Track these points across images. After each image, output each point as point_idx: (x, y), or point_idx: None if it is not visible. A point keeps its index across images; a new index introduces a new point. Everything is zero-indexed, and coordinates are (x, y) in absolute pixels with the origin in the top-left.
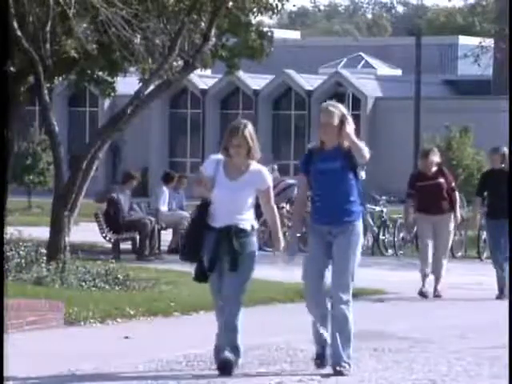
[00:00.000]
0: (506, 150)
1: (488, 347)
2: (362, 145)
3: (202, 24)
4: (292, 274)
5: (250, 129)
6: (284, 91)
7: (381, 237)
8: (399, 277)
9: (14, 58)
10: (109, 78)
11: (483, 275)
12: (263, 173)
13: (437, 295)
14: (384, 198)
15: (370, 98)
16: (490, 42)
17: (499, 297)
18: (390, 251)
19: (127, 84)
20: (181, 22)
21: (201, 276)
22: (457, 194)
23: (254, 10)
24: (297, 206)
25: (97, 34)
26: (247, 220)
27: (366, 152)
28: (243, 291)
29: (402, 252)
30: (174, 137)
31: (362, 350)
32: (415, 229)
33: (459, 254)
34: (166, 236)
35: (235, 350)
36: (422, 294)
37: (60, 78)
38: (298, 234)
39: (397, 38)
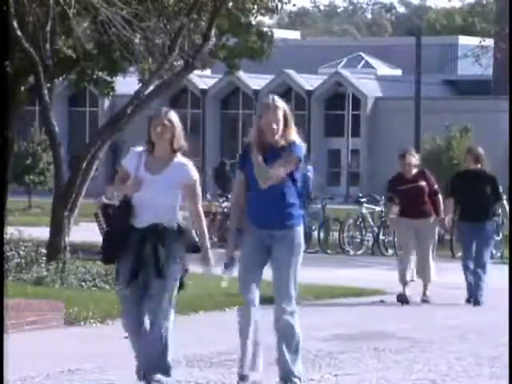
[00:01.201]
0: (481, 150)
1: (488, 347)
2: (274, 172)
3: (202, 24)
4: None
5: (173, 116)
6: (284, 91)
7: (381, 237)
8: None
9: (14, 58)
10: (108, 78)
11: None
12: (188, 166)
13: (425, 300)
14: (384, 197)
15: (369, 98)
16: (490, 41)
17: (476, 302)
18: (390, 251)
19: (127, 84)
20: (181, 22)
21: (126, 282)
22: (440, 196)
23: (254, 10)
24: (234, 209)
25: (97, 33)
26: (173, 218)
27: (267, 180)
28: (169, 300)
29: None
30: None
31: (363, 350)
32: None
33: (459, 253)
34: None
35: (165, 370)
36: (401, 298)
37: (60, 78)
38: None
39: (397, 38)
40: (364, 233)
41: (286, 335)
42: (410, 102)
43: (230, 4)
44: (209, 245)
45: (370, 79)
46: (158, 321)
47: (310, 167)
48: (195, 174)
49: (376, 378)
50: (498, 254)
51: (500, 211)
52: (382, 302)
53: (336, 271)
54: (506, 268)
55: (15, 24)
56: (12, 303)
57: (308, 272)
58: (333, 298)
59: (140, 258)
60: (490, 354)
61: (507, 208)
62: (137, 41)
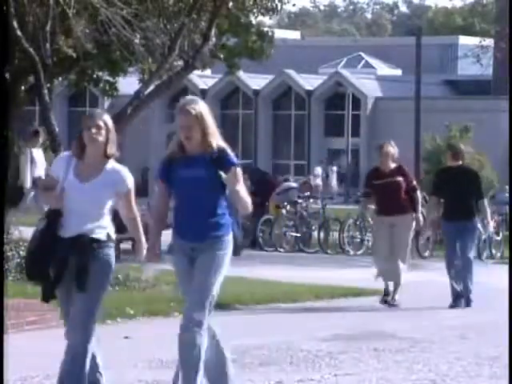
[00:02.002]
0: (462, 146)
1: (488, 347)
2: (246, 197)
3: (202, 24)
4: (292, 274)
5: (108, 118)
6: (284, 91)
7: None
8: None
9: (14, 58)
10: (110, 78)
11: (483, 275)
12: (123, 173)
13: (393, 304)
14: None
15: (369, 98)
16: (490, 41)
17: (467, 303)
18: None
19: (127, 84)
20: (181, 22)
21: (49, 296)
22: (418, 193)
23: (254, 10)
24: (156, 220)
25: (97, 33)
26: (103, 228)
27: (248, 204)
28: (92, 315)
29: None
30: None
31: (363, 350)
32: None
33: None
34: (166, 236)
35: None
36: (385, 302)
37: (60, 78)
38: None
39: (397, 38)
40: (364, 233)
41: (186, 348)
42: (410, 102)
43: (230, 4)
44: (143, 238)
45: (369, 79)
46: (76, 337)
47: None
48: (130, 182)
49: (376, 378)
50: (498, 254)
51: (480, 210)
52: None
53: (336, 271)
54: (506, 268)
55: (15, 24)
56: (12, 303)
57: (308, 272)
58: (333, 298)
59: (63, 270)
60: (490, 353)
61: (487, 208)
62: (137, 41)
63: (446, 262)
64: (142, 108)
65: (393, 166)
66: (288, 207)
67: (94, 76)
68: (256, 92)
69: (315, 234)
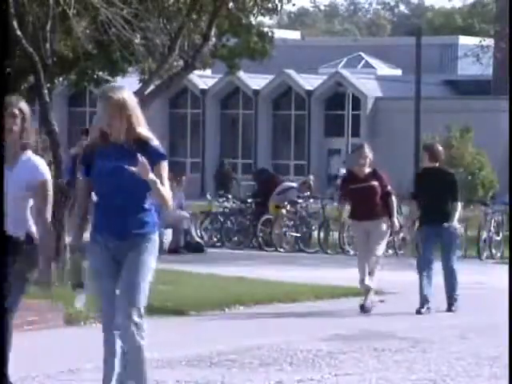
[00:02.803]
0: (438, 147)
1: (488, 347)
2: (166, 190)
3: (202, 24)
4: (292, 273)
5: (23, 106)
6: (284, 91)
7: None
8: (399, 277)
9: (14, 58)
10: (110, 78)
11: (483, 275)
12: (37, 163)
13: (366, 310)
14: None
15: (369, 98)
16: (490, 41)
17: (419, 311)
18: (390, 251)
19: (127, 84)
20: (181, 22)
21: None
22: (393, 198)
23: (254, 11)
24: (77, 216)
25: (97, 33)
26: (22, 226)
27: (171, 199)
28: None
29: (402, 252)
30: (174, 137)
31: (363, 350)
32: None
33: (459, 254)
34: (166, 236)
35: None
36: (362, 308)
37: (60, 78)
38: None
39: (397, 38)
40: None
41: (129, 354)
42: (410, 101)
43: (230, 4)
44: (48, 253)
45: (370, 79)
46: None
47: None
48: (46, 173)
49: (376, 378)
50: (498, 254)
51: (452, 212)
52: (381, 301)
53: (336, 271)
54: (506, 268)
55: (15, 24)
56: None
57: (308, 272)
58: (333, 298)
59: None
60: (490, 353)
61: (458, 212)
62: (137, 41)
63: (420, 266)
64: (142, 108)
65: (368, 170)
66: (288, 207)
67: (94, 76)
68: (256, 92)
69: (315, 233)
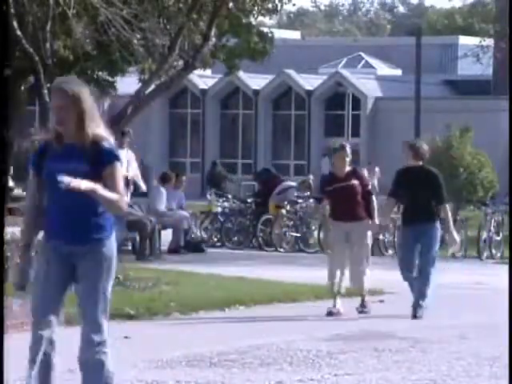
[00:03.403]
0: (424, 145)
1: (488, 347)
2: (115, 196)
3: (202, 24)
4: (292, 274)
5: None
6: (284, 91)
7: (380, 237)
8: (399, 277)
9: (14, 58)
10: (109, 78)
11: (483, 275)
12: None
13: (361, 311)
14: (384, 197)
15: (369, 98)
16: (489, 41)
17: (414, 314)
18: (390, 251)
19: (127, 84)
20: (181, 22)
21: None
22: (374, 198)
23: (254, 12)
24: (26, 224)
25: (97, 33)
26: None
27: (123, 202)
28: None
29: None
30: (174, 137)
31: (363, 350)
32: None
33: (459, 254)
34: (166, 236)
35: None
36: (330, 314)
37: None
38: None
39: (397, 38)
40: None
41: (92, 371)
42: (410, 101)
43: (230, 4)
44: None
45: (370, 79)
46: None
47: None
48: None
49: (376, 378)
50: (498, 254)
51: (442, 214)
52: (381, 301)
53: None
54: (506, 268)
55: (15, 24)
56: (12, 303)
57: (308, 272)
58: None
59: None
60: (490, 353)
61: (449, 215)
62: (136, 41)
63: (402, 269)
64: (142, 108)
65: (348, 169)
66: (288, 207)
67: (95, 76)
68: (256, 92)
69: (315, 234)
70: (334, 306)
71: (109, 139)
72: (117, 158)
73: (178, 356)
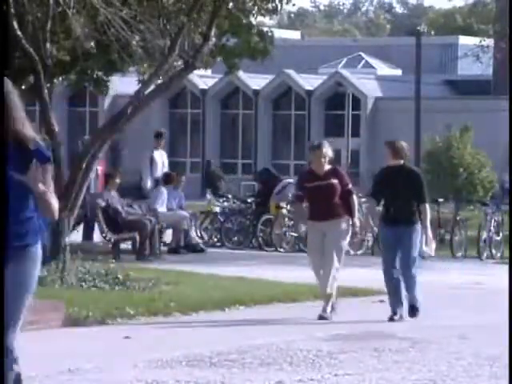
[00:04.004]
0: (403, 143)
1: (488, 347)
2: (51, 198)
3: (202, 24)
4: (292, 274)
5: None
6: (284, 91)
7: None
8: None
9: (14, 58)
10: (104, 77)
11: (483, 275)
12: None
13: (322, 317)
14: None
15: (369, 98)
16: (489, 41)
17: (413, 313)
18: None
19: (127, 84)
20: (181, 22)
21: None
22: (354, 197)
23: (254, 12)
24: None
25: (96, 33)
26: None
27: (55, 208)
28: None
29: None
30: (174, 137)
31: (363, 350)
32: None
33: (459, 254)
34: (166, 236)
35: None
36: (321, 318)
37: (60, 78)
38: None
39: (397, 38)
40: (364, 233)
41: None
42: (410, 101)
43: (230, 4)
44: None
45: (369, 79)
46: None
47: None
48: None
49: (376, 378)
50: (498, 254)
51: (422, 214)
52: (381, 301)
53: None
54: (506, 268)
55: (15, 24)
56: None
57: (308, 272)
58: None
59: None
60: (490, 353)
61: (428, 215)
62: (134, 42)
63: (384, 272)
64: (141, 108)
65: (327, 167)
66: (288, 207)
67: (94, 76)
68: (256, 92)
69: None
70: (327, 307)
71: (38, 140)
72: (48, 159)
73: (177, 356)
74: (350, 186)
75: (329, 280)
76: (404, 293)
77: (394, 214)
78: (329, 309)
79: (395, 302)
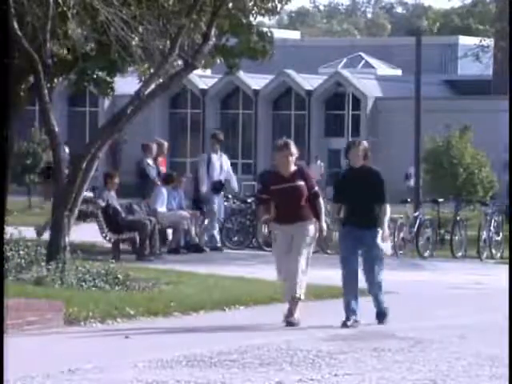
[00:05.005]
0: (365, 143)
1: (488, 347)
2: None
3: (202, 24)
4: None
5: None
6: (284, 91)
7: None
8: (399, 277)
9: (14, 58)
10: (108, 78)
11: (483, 275)
12: None
13: (288, 322)
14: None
15: (370, 98)
16: (490, 41)
17: (381, 318)
18: (391, 251)
19: (127, 84)
20: (181, 23)
21: None
22: (321, 200)
23: (253, 12)
24: None
25: (96, 34)
26: None
27: None
28: None
29: (401, 252)
30: (174, 137)
31: (363, 350)
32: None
33: (459, 254)
34: (166, 236)
35: None
36: (289, 323)
37: (60, 78)
38: None
39: (397, 38)
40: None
41: None
42: (410, 101)
43: (230, 4)
44: None
45: (369, 79)
46: None
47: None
48: None
49: (376, 377)
50: (498, 254)
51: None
52: None
53: (336, 271)
54: (506, 268)
55: (15, 24)
56: (12, 303)
57: (308, 272)
58: (333, 298)
59: None
60: (490, 353)
61: (387, 216)
62: (134, 42)
63: (343, 275)
64: (142, 108)
65: (293, 168)
66: None
67: (94, 76)
68: (256, 92)
69: None
70: (292, 314)
71: None
72: None
73: (177, 356)
74: (317, 188)
75: (296, 284)
76: (358, 301)
77: (357, 216)
78: (297, 314)
79: (349, 305)
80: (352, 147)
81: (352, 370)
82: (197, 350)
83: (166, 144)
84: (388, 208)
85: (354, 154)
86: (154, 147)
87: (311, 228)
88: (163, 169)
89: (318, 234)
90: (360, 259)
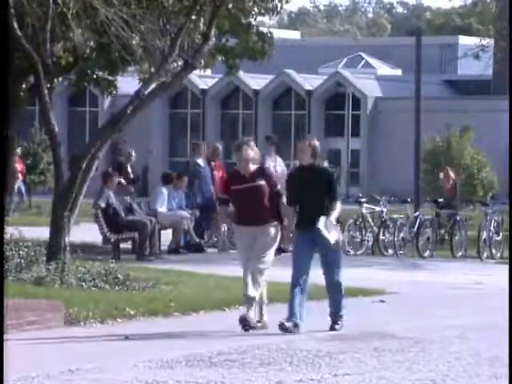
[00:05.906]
0: (315, 141)
1: (488, 347)
2: None
3: (202, 24)
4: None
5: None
6: (284, 91)
7: (381, 237)
8: (399, 277)
9: (14, 58)
10: (109, 77)
11: (483, 275)
12: None
13: (253, 327)
14: (384, 198)
15: (370, 98)
16: (490, 41)
17: (333, 326)
18: (390, 251)
19: (127, 84)
20: (181, 23)
21: None
22: (284, 199)
23: (253, 12)
24: None
25: (96, 34)
26: None
27: None
28: None
29: (402, 252)
30: (174, 137)
31: (363, 350)
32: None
33: (459, 254)
34: (166, 236)
35: None
36: (243, 323)
37: (60, 78)
38: None
39: (397, 38)
40: (364, 233)
41: None
42: (410, 101)
43: (230, 5)
44: None
45: (369, 79)
46: None
47: None
48: None
49: (376, 377)
50: (498, 254)
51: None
52: (382, 301)
53: None
54: (506, 268)
55: (15, 24)
56: (12, 303)
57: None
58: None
59: None
60: (490, 353)
61: (336, 212)
62: (134, 42)
63: (293, 278)
64: (142, 108)
65: (253, 168)
66: None
67: (94, 76)
68: (256, 92)
69: None
70: (248, 313)
71: None
72: None
73: (177, 356)
74: (279, 187)
75: (255, 284)
76: (304, 305)
77: (307, 215)
78: (252, 313)
79: (293, 309)
80: (299, 144)
81: (352, 370)
82: (197, 350)
83: (219, 147)
84: (339, 205)
85: (301, 151)
86: (204, 147)
87: (273, 230)
88: (217, 173)
89: (280, 234)
90: (318, 262)
